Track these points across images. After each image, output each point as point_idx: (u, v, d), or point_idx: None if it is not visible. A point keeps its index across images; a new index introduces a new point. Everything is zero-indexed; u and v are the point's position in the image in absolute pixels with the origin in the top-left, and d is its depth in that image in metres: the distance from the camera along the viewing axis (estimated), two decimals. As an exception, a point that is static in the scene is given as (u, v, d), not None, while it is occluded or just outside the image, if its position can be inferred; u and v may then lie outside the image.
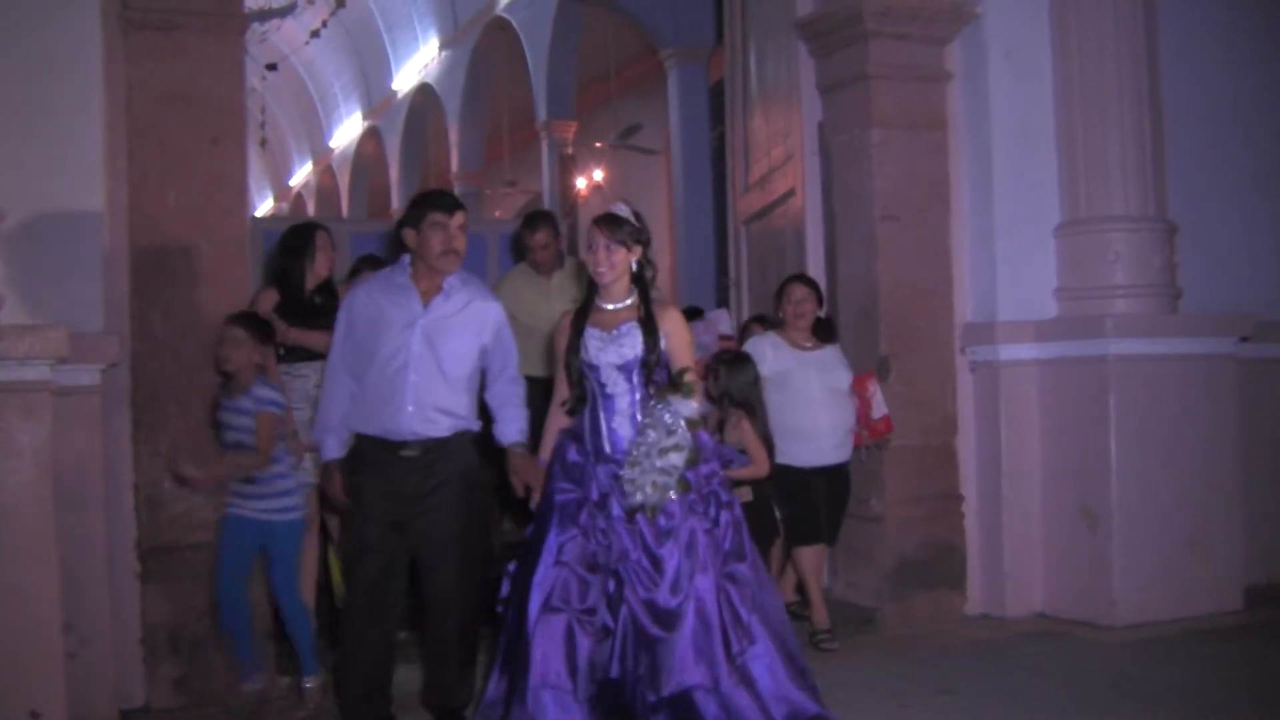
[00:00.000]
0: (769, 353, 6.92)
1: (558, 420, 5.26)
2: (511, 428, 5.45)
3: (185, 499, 5.96)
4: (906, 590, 7.21)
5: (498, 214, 23.31)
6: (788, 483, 6.83)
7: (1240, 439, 7.45)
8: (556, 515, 4.97)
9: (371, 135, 30.01)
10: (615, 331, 5.06)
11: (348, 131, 31.88)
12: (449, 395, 5.31)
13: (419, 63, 25.97)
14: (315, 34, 26.49)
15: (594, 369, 5.06)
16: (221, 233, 6.10)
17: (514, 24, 21.32)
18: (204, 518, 5.97)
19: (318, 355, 6.09)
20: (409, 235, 5.31)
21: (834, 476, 6.97)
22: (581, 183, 21.69)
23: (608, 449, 5.02)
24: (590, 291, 5.19)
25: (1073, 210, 7.45)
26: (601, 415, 5.07)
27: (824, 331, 7.16)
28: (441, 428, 5.29)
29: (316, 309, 6.31)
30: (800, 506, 6.88)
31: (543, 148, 21.79)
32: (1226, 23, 8.26)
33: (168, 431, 5.95)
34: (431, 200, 5.39)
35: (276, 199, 40.13)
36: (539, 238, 7.83)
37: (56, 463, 5.36)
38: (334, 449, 5.42)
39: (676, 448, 4.85)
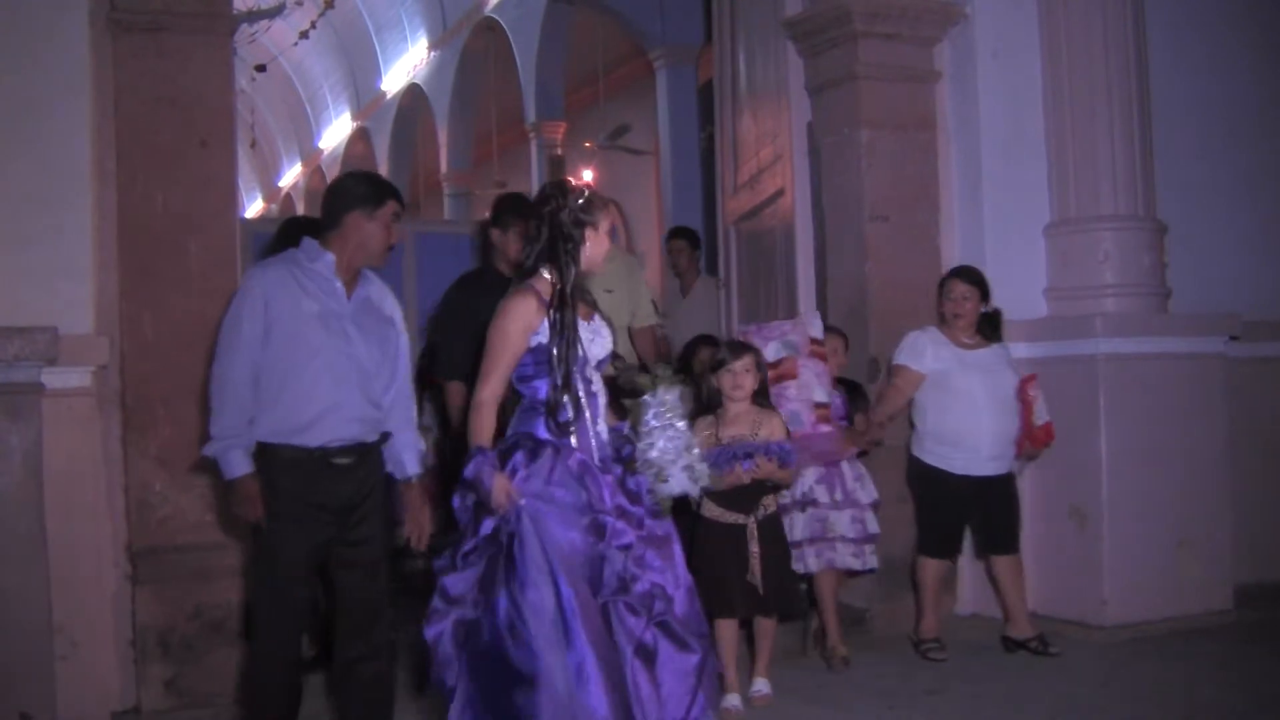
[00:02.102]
0: (928, 349, 6.65)
1: (490, 418, 4.45)
2: (410, 455, 5.01)
3: (174, 501, 5.96)
4: (897, 591, 7.19)
5: (487, 215, 23.28)
6: (934, 487, 6.67)
7: (1229, 438, 7.45)
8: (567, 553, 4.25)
9: (360, 136, 29.97)
10: (593, 322, 4.55)
11: (337, 132, 31.83)
12: (380, 394, 4.91)
13: (408, 63, 25.94)
14: (304, 35, 26.45)
15: (583, 363, 4.44)
16: (211, 234, 6.09)
17: (503, 24, 21.31)
18: (194, 520, 5.97)
19: None
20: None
21: (989, 488, 6.62)
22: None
23: (596, 458, 4.45)
24: (575, 269, 4.51)
25: (1062, 210, 7.45)
26: (587, 418, 4.45)
27: (989, 329, 6.78)
28: (371, 431, 4.89)
29: None
30: (939, 515, 6.69)
31: (532, 148, 21.77)
32: (1216, 22, 8.28)
33: (158, 433, 5.95)
34: (389, 189, 5.01)
35: (266, 200, 40.04)
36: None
37: (46, 465, 5.38)
38: (245, 463, 4.70)
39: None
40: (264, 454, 4.72)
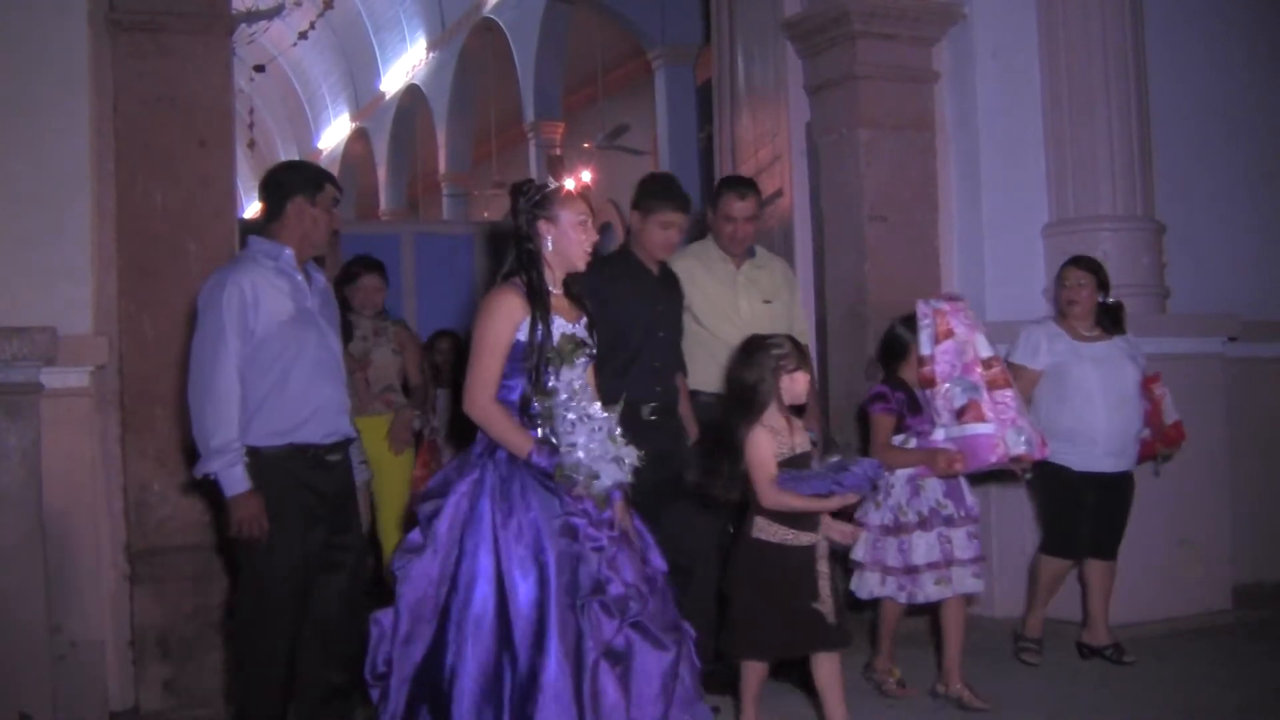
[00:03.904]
0: (1043, 343, 6.32)
1: (509, 416, 4.23)
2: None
3: (173, 501, 5.96)
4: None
5: (485, 215, 23.32)
6: (1054, 484, 6.32)
7: (1228, 438, 7.46)
8: (562, 574, 4.06)
9: (359, 136, 30.00)
10: (578, 325, 4.36)
11: (336, 133, 31.86)
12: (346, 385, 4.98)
13: (407, 64, 25.97)
14: (303, 35, 26.48)
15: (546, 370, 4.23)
16: (210, 235, 6.09)
17: (501, 25, 21.33)
18: (193, 520, 5.96)
19: None
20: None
21: (1109, 486, 6.32)
22: (570, 184, 21.68)
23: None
24: (535, 269, 4.32)
25: (1061, 210, 7.46)
26: (541, 421, 4.22)
27: (1110, 321, 6.45)
28: (349, 423, 4.93)
29: None
30: (1062, 512, 6.39)
31: (530, 149, 21.81)
32: (1214, 22, 8.30)
33: (156, 433, 5.94)
34: (325, 174, 5.01)
35: (264, 201, 40.03)
36: (745, 205, 6.07)
37: (45, 465, 5.38)
38: (246, 479, 4.61)
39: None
40: (256, 459, 4.66)
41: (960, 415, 5.50)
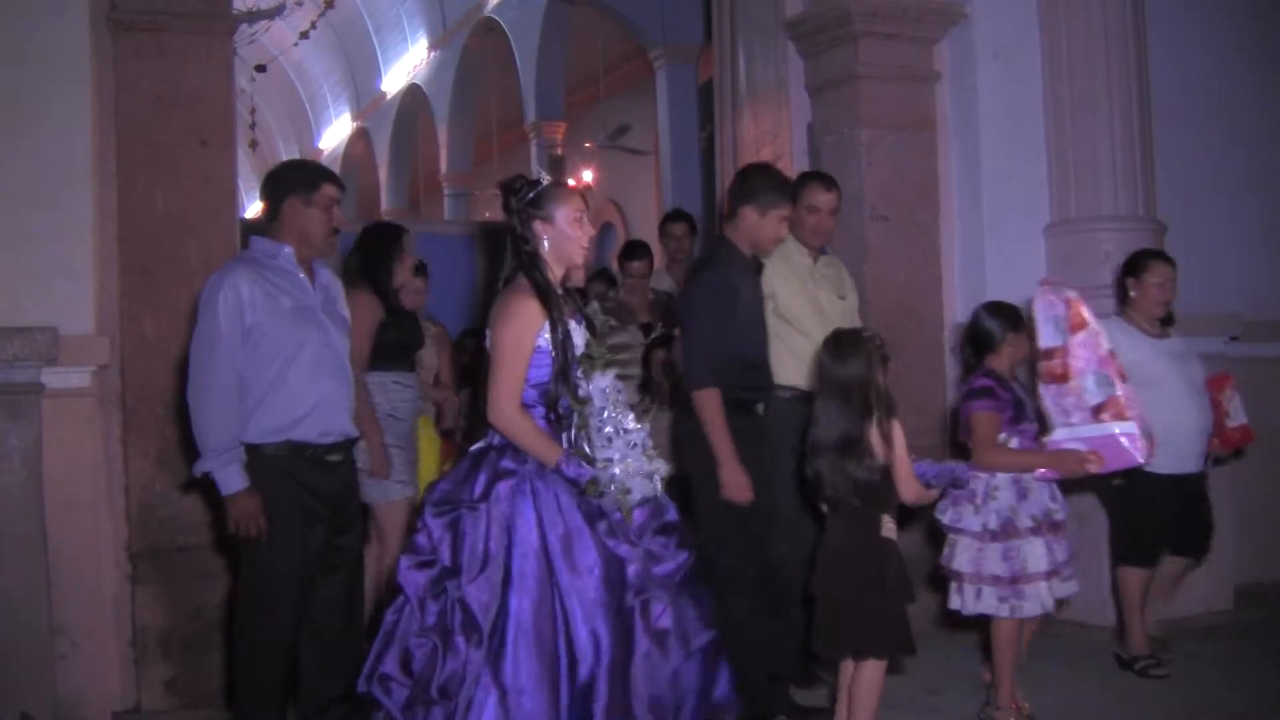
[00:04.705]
0: (1120, 340, 5.74)
1: (537, 425, 4.15)
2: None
3: (175, 501, 5.96)
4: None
5: (487, 215, 23.31)
6: (1133, 490, 6.06)
7: (1229, 438, 7.46)
8: (609, 587, 4.03)
9: (360, 136, 29.99)
10: (580, 326, 4.25)
11: (337, 132, 31.83)
12: (353, 383, 4.99)
13: (408, 63, 25.96)
14: (304, 35, 26.48)
15: (574, 366, 4.16)
16: (211, 235, 6.09)
17: (503, 24, 21.33)
18: (194, 520, 5.96)
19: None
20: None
21: (1185, 487, 6.19)
22: (571, 184, 21.71)
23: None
24: (538, 271, 4.22)
25: (1062, 210, 7.45)
26: (575, 431, 4.18)
27: (1168, 317, 6.36)
28: (352, 424, 4.95)
29: (408, 316, 6.26)
30: (1141, 518, 6.18)
31: (532, 149, 21.80)
32: (1215, 22, 8.29)
33: (158, 433, 5.95)
34: (324, 173, 5.02)
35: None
36: (829, 198, 5.94)
37: (46, 465, 5.38)
38: (243, 477, 4.65)
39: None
40: (255, 458, 4.69)
41: (1097, 413, 5.16)
